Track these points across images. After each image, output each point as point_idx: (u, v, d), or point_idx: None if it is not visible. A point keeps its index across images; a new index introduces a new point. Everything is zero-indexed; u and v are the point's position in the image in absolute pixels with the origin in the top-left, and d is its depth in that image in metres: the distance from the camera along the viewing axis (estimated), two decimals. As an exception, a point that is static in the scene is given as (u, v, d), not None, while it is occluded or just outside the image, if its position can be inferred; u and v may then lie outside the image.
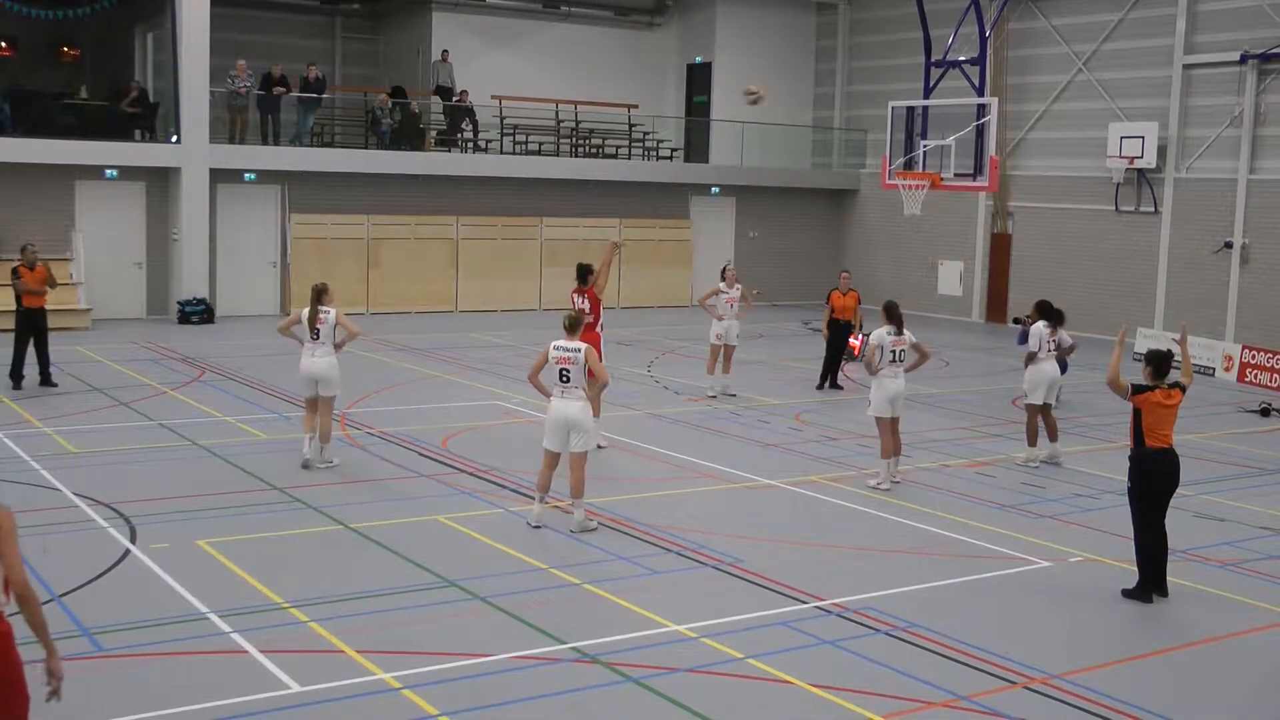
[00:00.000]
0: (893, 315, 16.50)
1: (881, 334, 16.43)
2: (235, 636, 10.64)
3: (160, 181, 32.15)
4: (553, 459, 14.16)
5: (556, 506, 14.58)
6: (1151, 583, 12.28)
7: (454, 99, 36.22)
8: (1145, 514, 12.30)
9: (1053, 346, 18.34)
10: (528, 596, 11.84)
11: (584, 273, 18.42)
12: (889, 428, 16.47)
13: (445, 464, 17.16)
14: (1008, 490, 16.74)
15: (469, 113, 36.23)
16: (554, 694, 9.77)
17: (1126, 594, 12.32)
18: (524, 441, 17.75)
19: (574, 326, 14.39)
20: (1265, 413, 23.30)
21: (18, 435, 17.71)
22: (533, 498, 14.44)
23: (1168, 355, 12.52)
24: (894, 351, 16.39)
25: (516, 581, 12.29)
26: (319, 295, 16.57)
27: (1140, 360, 10.28)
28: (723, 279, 23.53)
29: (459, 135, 36.64)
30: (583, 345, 14.16)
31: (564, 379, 14.00)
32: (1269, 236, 30.96)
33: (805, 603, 12.06)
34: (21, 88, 32.53)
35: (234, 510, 14.59)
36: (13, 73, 33.89)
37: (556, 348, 14.09)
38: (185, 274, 31.64)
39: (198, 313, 31.39)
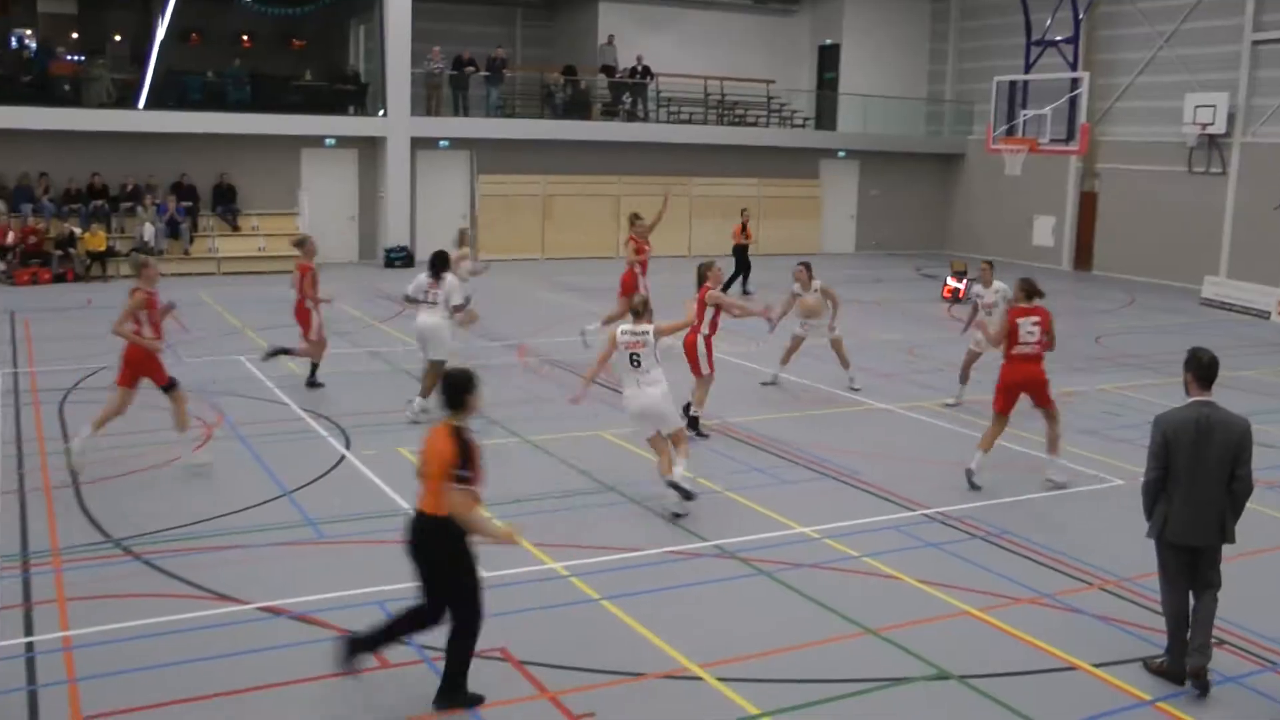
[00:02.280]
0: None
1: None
2: (432, 530, 10.87)
3: (370, 149, 32.63)
4: (658, 441, 11.96)
5: (702, 435, 14.60)
6: None
7: (635, 76, 36.33)
8: None
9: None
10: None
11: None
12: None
13: (608, 387, 17.26)
14: (1088, 417, 16.40)
15: (636, 88, 36.26)
16: (698, 583, 9.86)
17: None
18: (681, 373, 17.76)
19: (642, 311, 12.13)
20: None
21: (257, 361, 18.19)
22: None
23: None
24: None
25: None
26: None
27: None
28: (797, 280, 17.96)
29: (620, 107, 36.61)
30: (650, 326, 11.99)
31: (634, 363, 11.87)
32: (1323, 195, 29.93)
33: (913, 510, 12.01)
34: (258, 72, 33.21)
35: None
36: (252, 60, 34.56)
37: (624, 332, 11.98)
38: (390, 226, 32.18)
39: (400, 258, 31.91)
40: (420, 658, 8.25)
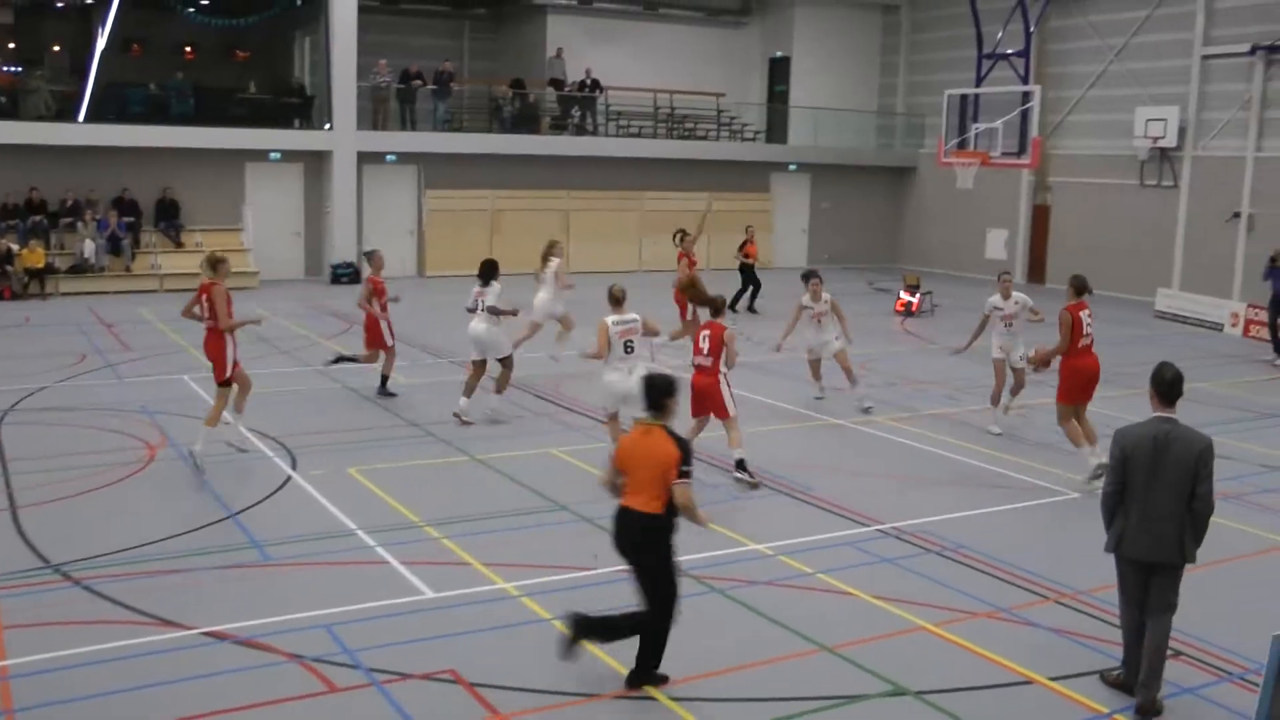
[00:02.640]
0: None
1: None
2: (379, 550, 10.80)
3: (315, 163, 32.47)
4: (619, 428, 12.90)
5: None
6: None
7: (584, 90, 36.31)
8: None
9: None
10: (628, 518, 11.85)
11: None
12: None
13: (558, 405, 17.25)
14: (1044, 430, 16.49)
15: (585, 102, 36.27)
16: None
17: None
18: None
19: (621, 299, 13.07)
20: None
21: (200, 379, 17.99)
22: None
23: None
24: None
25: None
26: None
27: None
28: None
29: (569, 120, 36.62)
30: (636, 315, 12.97)
31: (629, 350, 12.80)
32: (1273, 207, 30.30)
33: (868, 525, 12.03)
34: (201, 85, 33.02)
35: (378, 443, 14.77)
36: (195, 72, 34.38)
37: (616, 323, 12.78)
38: (336, 241, 31.98)
39: (346, 274, 31.72)
40: (369, 681, 8.17)
